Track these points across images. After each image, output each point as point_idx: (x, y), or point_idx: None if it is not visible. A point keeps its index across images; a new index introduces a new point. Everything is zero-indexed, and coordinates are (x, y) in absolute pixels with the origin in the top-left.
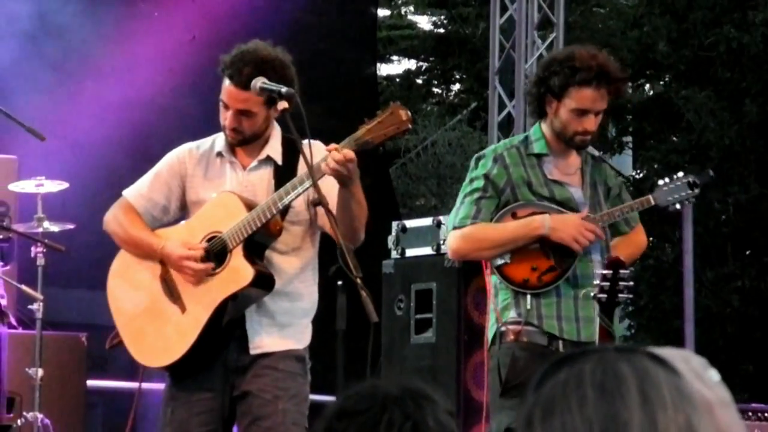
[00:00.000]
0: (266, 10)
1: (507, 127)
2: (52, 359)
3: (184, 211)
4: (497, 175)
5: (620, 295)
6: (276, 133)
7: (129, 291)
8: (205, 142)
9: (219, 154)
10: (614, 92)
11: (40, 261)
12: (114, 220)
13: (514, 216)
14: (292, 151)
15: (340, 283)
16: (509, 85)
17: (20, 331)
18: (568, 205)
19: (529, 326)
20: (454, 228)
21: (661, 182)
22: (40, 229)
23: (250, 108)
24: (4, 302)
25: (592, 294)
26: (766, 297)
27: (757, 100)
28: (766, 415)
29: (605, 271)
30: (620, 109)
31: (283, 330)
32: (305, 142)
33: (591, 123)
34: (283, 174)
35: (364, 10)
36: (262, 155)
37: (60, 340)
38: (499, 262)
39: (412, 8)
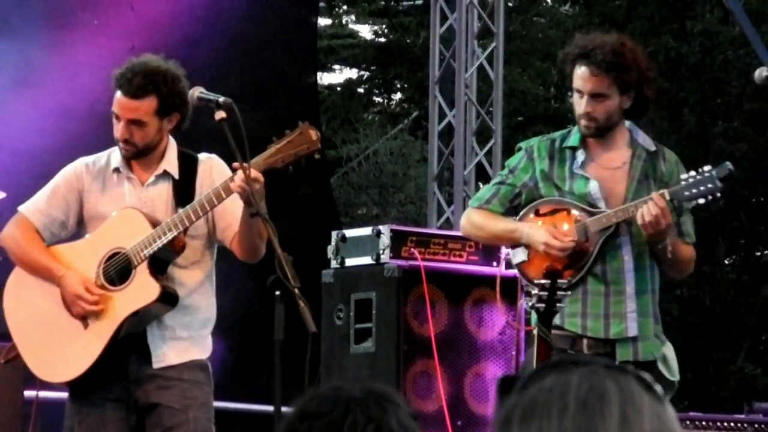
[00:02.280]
0: (206, 20)
1: (447, 135)
2: None
3: (80, 226)
4: (523, 169)
5: (558, 305)
6: (171, 147)
7: (27, 305)
8: (100, 158)
9: (116, 169)
10: (622, 83)
11: None
12: (11, 238)
13: (537, 213)
14: (189, 165)
15: (278, 293)
16: (449, 95)
17: None
18: (585, 200)
19: (557, 332)
20: (470, 206)
21: (683, 176)
22: None
23: (141, 117)
24: None
25: (529, 304)
26: (704, 306)
27: (696, 109)
28: (704, 423)
29: (543, 281)
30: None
31: (185, 342)
32: (202, 156)
33: (589, 106)
34: (182, 189)
35: (305, 20)
36: (159, 170)
37: None
38: (519, 259)
39: (353, 17)
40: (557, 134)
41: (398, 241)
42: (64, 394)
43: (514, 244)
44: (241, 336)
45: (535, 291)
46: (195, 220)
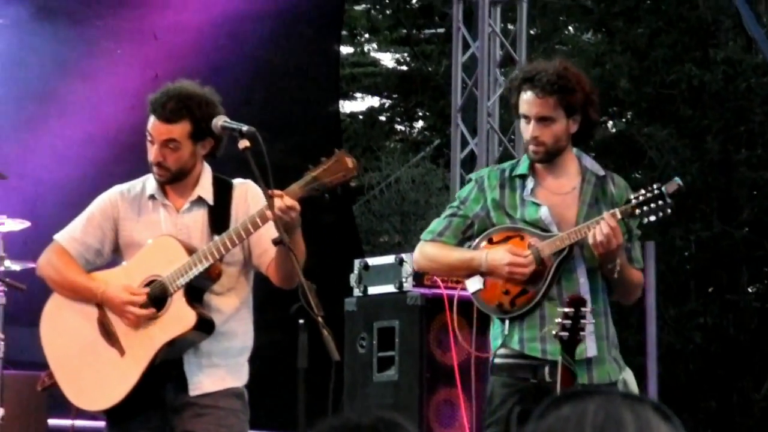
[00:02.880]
0: (230, 48)
1: (470, 163)
2: (13, 398)
3: (116, 253)
4: (474, 199)
5: (581, 333)
6: (206, 173)
7: (63, 333)
8: (135, 185)
9: (151, 196)
10: (567, 104)
11: (1, 300)
12: (47, 264)
13: (490, 241)
14: (223, 190)
15: (301, 321)
16: (472, 123)
17: None
18: (537, 226)
19: (509, 354)
20: (422, 239)
21: (632, 195)
22: (2, 268)
23: (175, 137)
24: None
25: (554, 332)
26: (728, 334)
27: (719, 137)
28: None
29: (566, 309)
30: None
31: (221, 369)
32: (237, 181)
33: (536, 130)
34: (217, 215)
35: (327, 48)
36: (193, 196)
37: (21, 379)
38: (474, 288)
39: (375, 46)
40: (507, 164)
41: None
42: (97, 423)
43: (471, 273)
44: (264, 364)
45: (558, 320)
46: (231, 248)
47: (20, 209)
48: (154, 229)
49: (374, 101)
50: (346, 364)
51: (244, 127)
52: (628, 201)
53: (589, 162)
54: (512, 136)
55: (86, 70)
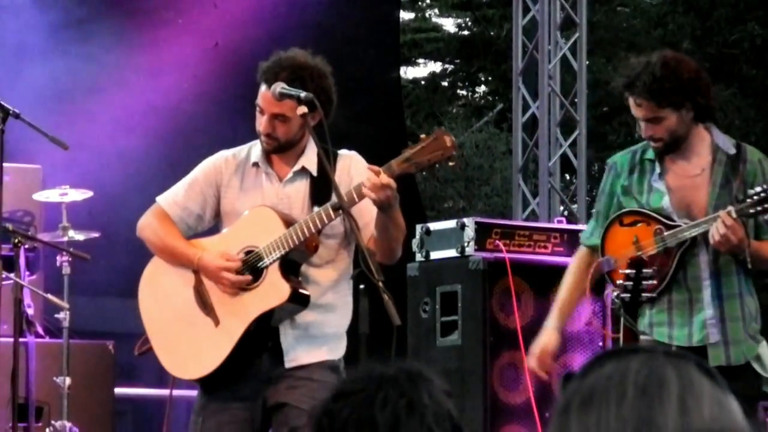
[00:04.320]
0: (289, 16)
1: (531, 127)
2: (79, 368)
3: (217, 219)
4: (611, 185)
5: (644, 294)
6: (311, 144)
7: (161, 299)
8: (241, 151)
9: (255, 164)
10: (670, 103)
11: (66, 270)
12: (148, 227)
13: (621, 223)
14: (328, 162)
15: (362, 287)
16: (533, 86)
17: (47, 340)
18: (662, 214)
19: (646, 336)
20: (581, 245)
21: (751, 191)
22: (65, 238)
23: (285, 112)
24: (31, 312)
25: (615, 294)
26: None
27: None
28: None
29: (627, 271)
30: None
31: (317, 341)
32: (344, 152)
33: (649, 130)
34: (319, 186)
35: (388, 14)
36: (297, 166)
37: (87, 348)
38: (608, 267)
39: (436, 11)
40: (639, 146)
41: (483, 233)
42: (190, 392)
43: None
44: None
45: (619, 281)
46: (327, 222)
47: (83, 179)
48: (255, 197)
49: (436, 67)
50: (409, 329)
51: (302, 94)
52: (745, 198)
53: (721, 139)
54: (574, 99)
55: (147, 40)
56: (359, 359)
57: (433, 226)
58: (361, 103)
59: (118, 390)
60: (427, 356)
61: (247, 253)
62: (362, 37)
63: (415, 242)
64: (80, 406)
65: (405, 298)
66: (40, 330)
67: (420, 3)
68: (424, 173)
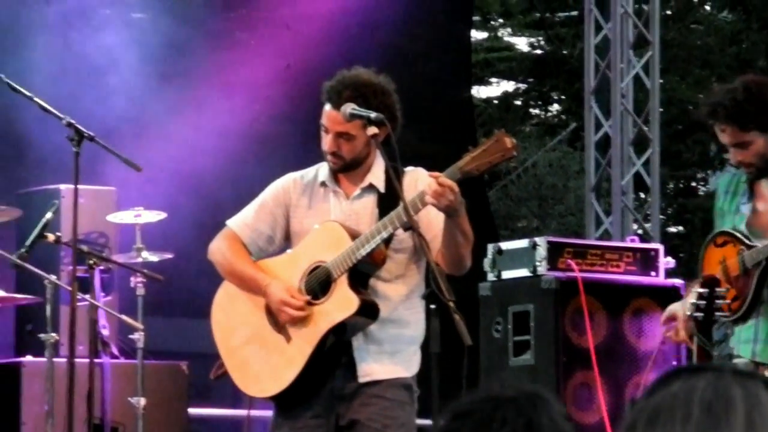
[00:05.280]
0: (361, 36)
1: (604, 146)
2: (154, 388)
3: (288, 241)
4: (713, 206)
5: (717, 314)
6: (379, 161)
7: (233, 321)
8: (308, 172)
9: (323, 183)
10: (756, 126)
11: (140, 291)
12: (218, 251)
13: (716, 244)
14: (395, 178)
15: (433, 306)
16: (606, 105)
17: (122, 360)
18: (745, 235)
19: (730, 354)
20: None
21: None
22: (139, 259)
23: (349, 131)
24: (106, 333)
25: (688, 313)
26: None
27: None
28: None
29: (701, 290)
30: None
31: (391, 357)
32: (408, 169)
33: (738, 155)
34: (387, 202)
35: (459, 34)
36: (365, 183)
37: (161, 369)
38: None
39: (509, 30)
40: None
41: (555, 252)
42: (266, 412)
43: None
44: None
45: (692, 300)
46: (392, 230)
47: (157, 201)
48: (324, 216)
49: (509, 86)
50: (482, 349)
51: (372, 114)
52: None
53: None
54: (647, 118)
55: (220, 61)
56: (430, 379)
57: (505, 245)
58: (434, 123)
59: (192, 410)
60: (499, 376)
61: (315, 268)
62: (434, 56)
63: (487, 262)
64: (155, 427)
65: (477, 317)
66: (115, 351)
67: (492, 22)
68: (498, 193)
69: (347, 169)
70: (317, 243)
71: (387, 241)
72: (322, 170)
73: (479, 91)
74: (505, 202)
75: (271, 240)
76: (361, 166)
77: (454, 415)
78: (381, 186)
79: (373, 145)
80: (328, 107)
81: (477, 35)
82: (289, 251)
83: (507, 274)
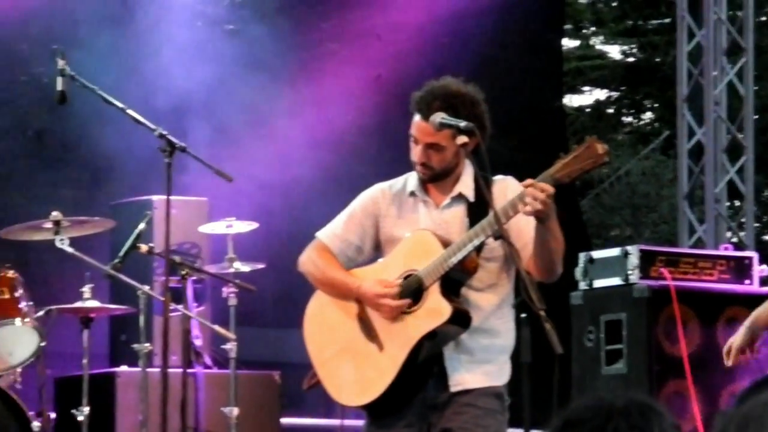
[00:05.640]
0: (451, 47)
1: (697, 153)
2: (246, 398)
3: (377, 251)
4: None
5: None
6: (468, 170)
7: (326, 332)
8: (397, 182)
9: (412, 193)
10: None
11: (232, 301)
12: (309, 261)
13: None
14: (484, 187)
15: (523, 315)
16: (699, 112)
17: (215, 370)
18: None
19: None
20: None
21: None
22: (231, 270)
23: (439, 141)
24: (199, 343)
25: None
26: None
27: None
28: None
29: None
30: None
31: (483, 366)
32: (497, 178)
33: None
34: (476, 211)
35: (551, 43)
36: (454, 192)
37: (254, 378)
38: None
39: (601, 38)
40: None
41: (647, 261)
42: (357, 422)
43: None
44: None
45: None
46: (484, 238)
47: (248, 211)
48: (413, 225)
49: (601, 94)
50: (574, 358)
51: (462, 123)
52: None
53: None
54: (741, 125)
55: (311, 72)
56: (521, 388)
57: (597, 254)
58: (525, 132)
59: (284, 420)
60: (592, 385)
61: (407, 277)
62: (525, 66)
63: (578, 271)
64: None
65: (568, 327)
66: (208, 361)
67: (584, 31)
68: (590, 201)
69: (437, 179)
70: (409, 251)
71: (478, 250)
72: (410, 180)
73: (571, 100)
74: (598, 210)
75: (360, 250)
76: (450, 176)
77: (565, 423)
78: (470, 195)
79: (462, 155)
80: (417, 118)
81: (569, 44)
82: (380, 260)
83: (599, 283)
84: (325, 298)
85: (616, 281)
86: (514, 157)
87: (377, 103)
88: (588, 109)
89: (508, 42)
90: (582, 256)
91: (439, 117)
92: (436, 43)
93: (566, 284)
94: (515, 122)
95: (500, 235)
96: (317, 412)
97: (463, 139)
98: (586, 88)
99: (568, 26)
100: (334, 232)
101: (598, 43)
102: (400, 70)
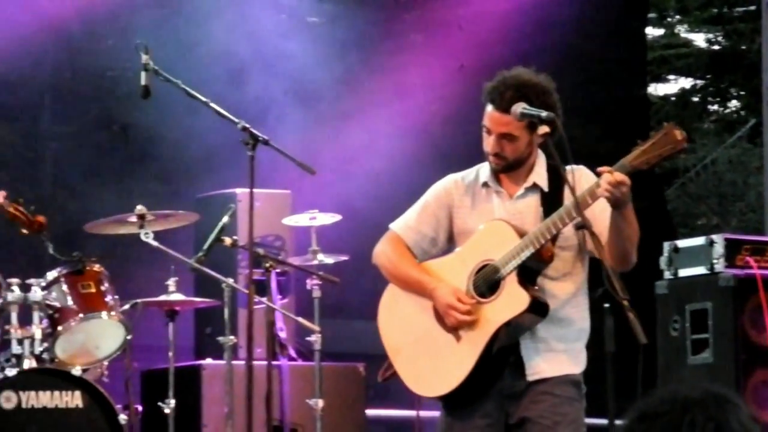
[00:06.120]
0: (534, 36)
1: None
2: (331, 390)
3: (450, 242)
4: None
5: None
6: (540, 160)
7: (401, 322)
8: (469, 173)
9: (485, 184)
10: None
11: (316, 293)
12: (383, 254)
13: None
14: (557, 177)
15: (606, 305)
16: None
17: (300, 362)
18: None
19: None
20: None
21: None
22: (315, 262)
23: (512, 131)
24: (283, 335)
25: None
26: None
27: None
28: None
29: None
30: None
31: (559, 355)
32: (568, 168)
33: None
34: (550, 201)
35: (635, 31)
36: (528, 182)
37: (339, 370)
38: None
39: (686, 26)
40: None
41: (732, 250)
42: (434, 413)
43: None
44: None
45: None
46: (561, 227)
47: (331, 203)
48: (487, 216)
49: (686, 82)
50: (659, 348)
51: (543, 113)
52: None
53: None
54: None
55: (394, 63)
56: (606, 378)
57: (682, 243)
58: (609, 121)
59: (369, 411)
60: (677, 375)
61: (483, 267)
62: (609, 55)
63: (663, 260)
64: (333, 428)
65: (653, 316)
66: (292, 353)
67: (669, 19)
68: (676, 190)
69: (509, 169)
70: (484, 242)
71: (553, 239)
72: (482, 171)
73: (656, 89)
74: (684, 200)
75: (434, 242)
76: (523, 166)
77: (640, 416)
78: (544, 185)
79: (535, 145)
80: (490, 108)
81: (653, 32)
82: (456, 250)
83: (684, 272)
84: (398, 289)
85: (701, 270)
86: (597, 145)
87: (460, 93)
88: (673, 98)
89: (592, 31)
90: (667, 246)
91: (520, 107)
92: (519, 32)
93: (651, 273)
94: (599, 111)
95: (582, 225)
96: (403, 403)
97: (544, 129)
98: (671, 77)
99: (652, 15)
100: (407, 223)
101: (682, 31)
102: (484, 59)
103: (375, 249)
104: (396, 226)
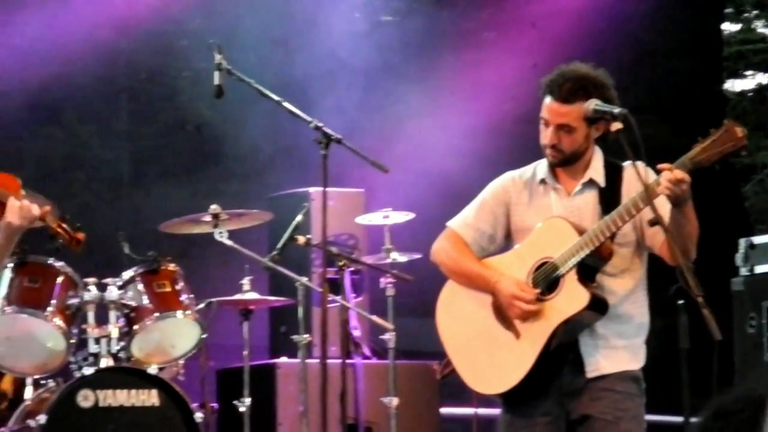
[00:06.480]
0: (608, 32)
1: None
2: (405, 388)
3: (508, 239)
4: None
5: None
6: (598, 156)
7: (459, 319)
8: (526, 170)
9: (542, 181)
10: None
11: (390, 291)
12: (442, 251)
13: None
14: (614, 172)
15: (681, 302)
16: None
17: (374, 361)
18: None
19: None
20: None
21: None
22: (389, 260)
23: (570, 122)
24: (357, 333)
25: None
26: None
27: None
28: None
29: None
30: None
31: (619, 351)
32: (638, 163)
33: None
34: (608, 197)
35: (711, 27)
36: (585, 178)
37: (413, 369)
38: None
39: (764, 21)
40: None
41: None
42: (494, 411)
43: None
44: (646, 346)
45: None
46: (621, 225)
47: (405, 201)
48: (544, 213)
49: (764, 78)
50: (735, 345)
51: (616, 110)
52: None
53: None
54: None
55: (467, 61)
56: (680, 375)
57: (758, 239)
58: (685, 117)
59: (444, 410)
60: (754, 372)
61: (542, 265)
62: (684, 50)
63: (739, 257)
64: (408, 426)
65: (729, 313)
66: (366, 351)
67: (746, 15)
68: (754, 187)
69: (566, 163)
70: (543, 239)
71: (612, 236)
72: (539, 168)
73: (733, 85)
74: (762, 196)
75: (492, 239)
76: (580, 161)
77: (715, 413)
78: (601, 181)
79: (592, 139)
80: (548, 99)
81: (729, 27)
82: (515, 248)
83: (760, 269)
84: (456, 287)
85: None
86: (673, 141)
87: (533, 92)
88: (750, 94)
89: (667, 28)
90: (742, 242)
91: (593, 103)
92: (593, 29)
93: (726, 270)
94: (675, 107)
95: (656, 221)
96: (481, 401)
97: (617, 125)
98: (748, 73)
99: (728, 10)
100: (465, 221)
101: (760, 26)
102: (557, 58)
103: (433, 246)
104: (454, 223)
